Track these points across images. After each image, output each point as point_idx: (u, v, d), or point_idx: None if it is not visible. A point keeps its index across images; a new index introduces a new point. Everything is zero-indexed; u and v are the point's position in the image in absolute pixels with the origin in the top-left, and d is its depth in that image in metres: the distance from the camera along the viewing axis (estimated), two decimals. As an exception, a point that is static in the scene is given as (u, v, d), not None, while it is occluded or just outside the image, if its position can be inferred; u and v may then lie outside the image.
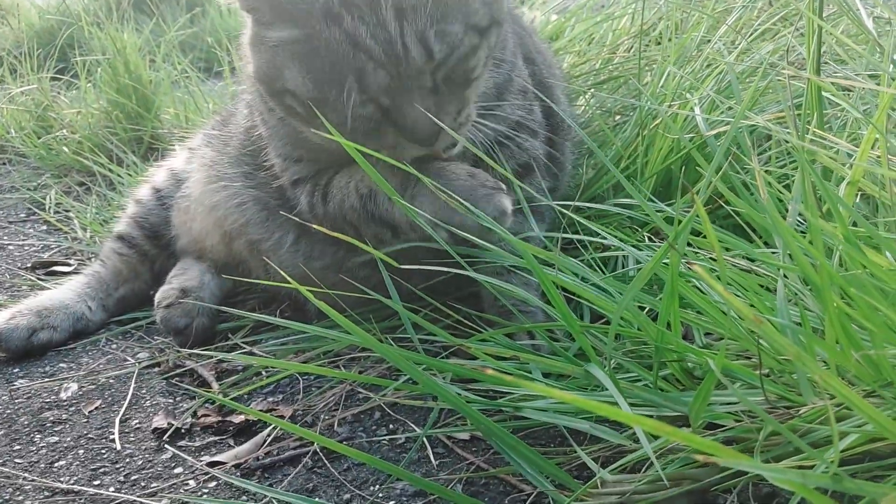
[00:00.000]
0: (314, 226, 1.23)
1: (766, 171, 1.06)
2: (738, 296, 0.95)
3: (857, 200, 1.08)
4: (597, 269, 1.26)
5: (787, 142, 1.22)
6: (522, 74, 1.39)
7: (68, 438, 1.21)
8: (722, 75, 1.44)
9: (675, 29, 1.78)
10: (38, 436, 1.22)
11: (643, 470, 0.90)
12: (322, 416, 1.21)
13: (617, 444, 0.92)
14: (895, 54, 1.18)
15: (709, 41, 1.64)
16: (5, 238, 2.25)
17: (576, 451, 0.94)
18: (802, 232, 1.07)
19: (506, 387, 0.99)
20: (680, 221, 0.94)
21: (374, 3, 1.02)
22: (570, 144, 1.55)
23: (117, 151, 2.58)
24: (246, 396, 1.31)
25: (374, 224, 1.25)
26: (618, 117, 1.81)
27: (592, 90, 1.88)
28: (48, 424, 1.25)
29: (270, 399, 1.29)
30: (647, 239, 1.31)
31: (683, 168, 1.47)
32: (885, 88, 1.01)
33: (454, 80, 1.09)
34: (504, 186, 1.15)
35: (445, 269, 1.06)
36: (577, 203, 1.23)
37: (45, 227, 2.31)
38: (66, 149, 2.79)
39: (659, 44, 1.86)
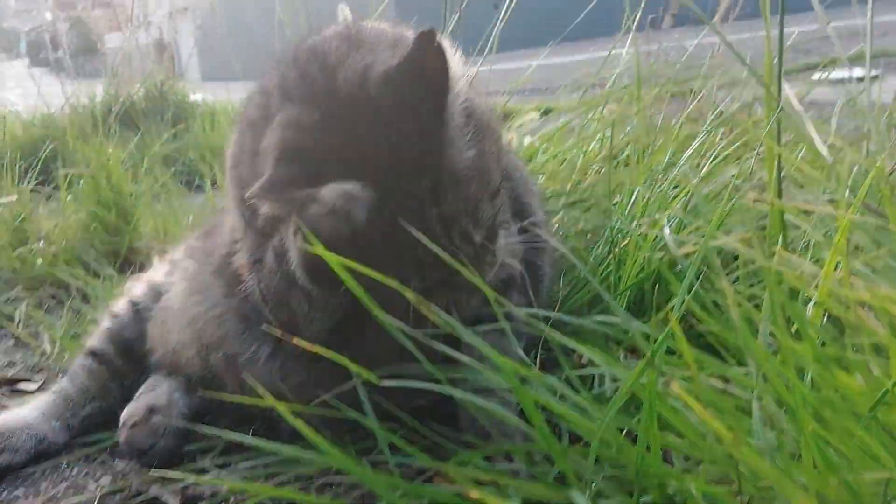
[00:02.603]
0: (293, 340, 1.23)
1: (735, 292, 1.09)
2: (714, 417, 0.95)
3: (825, 321, 1.11)
4: (573, 387, 1.25)
5: (753, 262, 1.27)
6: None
7: (21, 573, 1.13)
8: (688, 196, 1.51)
9: (643, 153, 1.87)
10: (-12, 570, 1.15)
11: None
12: (294, 546, 1.16)
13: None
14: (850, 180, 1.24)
15: (674, 164, 1.72)
16: (-30, 353, 2.19)
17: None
18: (774, 352, 1.08)
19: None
20: (656, 339, 0.96)
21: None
22: (547, 261, 1.58)
23: (94, 265, 2.57)
24: (214, 523, 1.25)
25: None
26: (589, 236, 1.86)
27: (563, 211, 1.94)
28: (1, 557, 1.18)
29: (239, 527, 1.24)
30: (624, 356, 1.32)
31: (656, 286, 1.51)
32: (842, 213, 1.06)
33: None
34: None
35: (424, 387, 1.06)
36: (556, 314, 1.25)
37: (12, 342, 2.26)
38: (40, 260, 2.77)
39: (627, 166, 1.94)
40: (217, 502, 1.30)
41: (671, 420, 0.94)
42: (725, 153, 1.67)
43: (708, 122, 1.78)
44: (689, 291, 1.22)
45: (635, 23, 2.22)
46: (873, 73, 1.55)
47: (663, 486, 0.94)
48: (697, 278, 1.27)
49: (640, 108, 1.89)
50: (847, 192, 1.23)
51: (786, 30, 1.36)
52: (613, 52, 2.35)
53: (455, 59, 1.15)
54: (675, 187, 1.59)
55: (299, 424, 0.97)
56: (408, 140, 1.11)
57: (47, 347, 2.10)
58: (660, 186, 1.62)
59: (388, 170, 1.11)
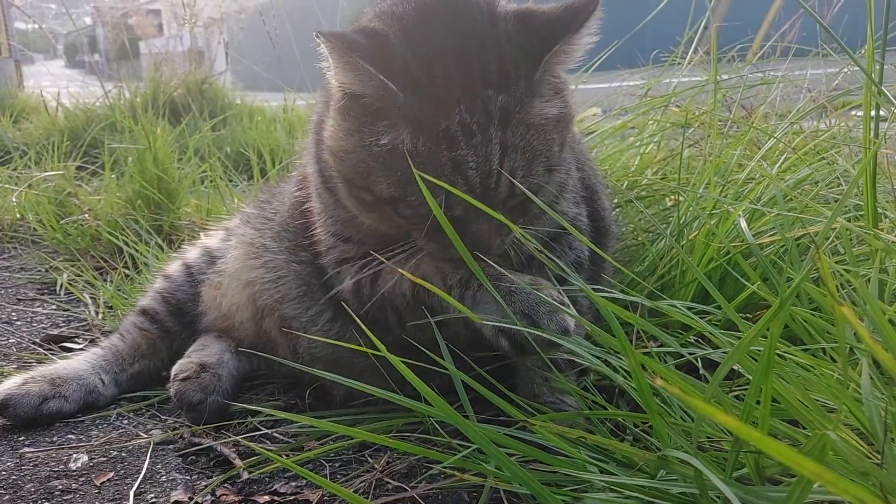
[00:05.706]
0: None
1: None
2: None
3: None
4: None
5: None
6: (574, 177, 1.42)
7: (79, 508, 1.11)
8: (762, 191, 1.48)
9: (704, 156, 1.84)
10: None
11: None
12: (351, 504, 1.13)
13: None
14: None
15: (741, 166, 1.70)
16: (14, 314, 2.19)
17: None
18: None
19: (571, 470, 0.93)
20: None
21: (486, 137, 1.08)
22: (612, 248, 1.56)
23: (142, 233, 2.57)
24: (267, 479, 1.23)
25: (422, 313, 1.24)
26: (646, 234, 1.83)
27: (622, 207, 1.92)
28: (57, 493, 1.16)
29: (294, 483, 1.21)
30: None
31: (723, 280, 1.48)
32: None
33: (517, 210, 1.16)
34: (566, 302, 1.15)
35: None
36: (631, 296, 1.22)
37: (54, 307, 2.26)
38: (83, 233, 2.78)
39: (686, 168, 1.91)
40: (266, 459, 1.26)
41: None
42: (793, 158, 1.64)
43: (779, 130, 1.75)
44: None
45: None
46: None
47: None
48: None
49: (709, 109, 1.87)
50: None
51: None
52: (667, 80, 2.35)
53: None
54: (747, 182, 1.56)
55: (413, 379, 1.00)
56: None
57: (91, 311, 2.10)
58: (731, 188, 1.60)
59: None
